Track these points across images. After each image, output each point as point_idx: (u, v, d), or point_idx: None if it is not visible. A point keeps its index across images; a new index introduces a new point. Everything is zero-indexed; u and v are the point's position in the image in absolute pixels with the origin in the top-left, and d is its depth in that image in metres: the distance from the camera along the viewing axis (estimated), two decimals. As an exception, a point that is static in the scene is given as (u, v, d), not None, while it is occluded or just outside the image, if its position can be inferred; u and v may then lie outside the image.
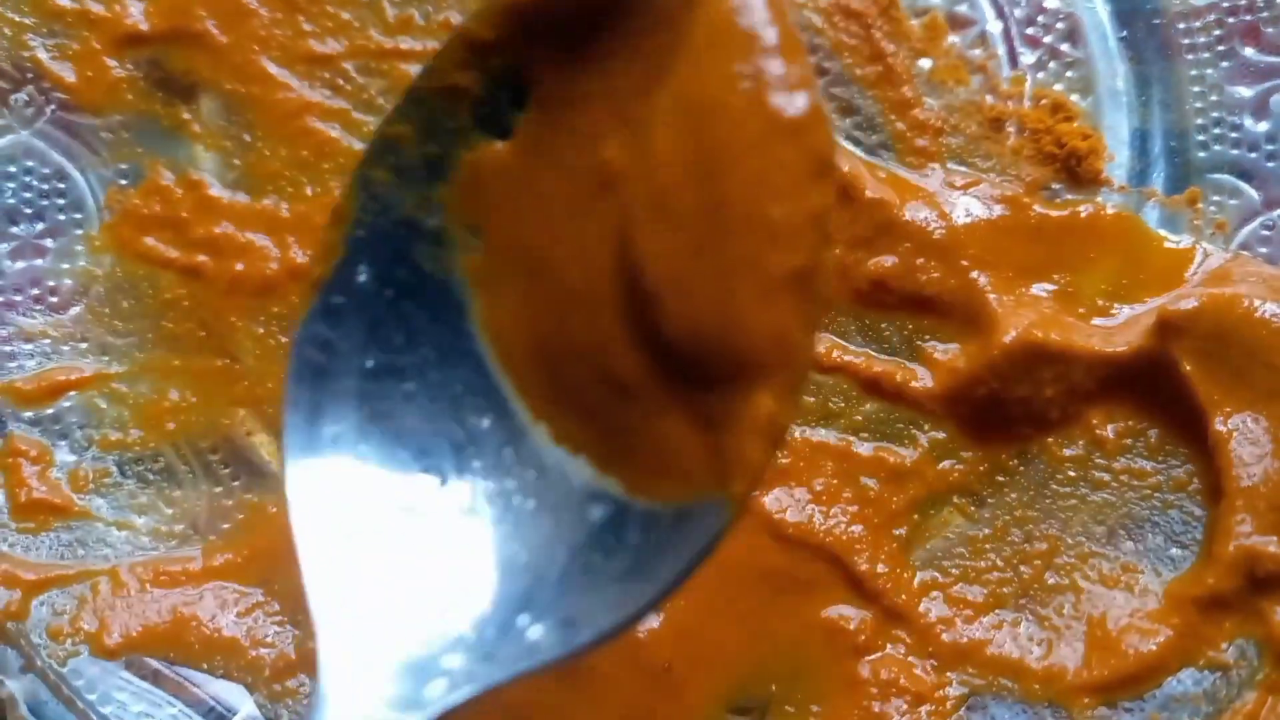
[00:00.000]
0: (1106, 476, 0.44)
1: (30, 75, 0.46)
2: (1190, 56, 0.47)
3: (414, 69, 0.46)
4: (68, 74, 0.46)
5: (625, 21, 0.30)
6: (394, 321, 0.33)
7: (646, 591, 0.30)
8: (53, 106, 0.47)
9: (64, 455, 0.46)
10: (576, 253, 0.31)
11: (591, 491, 0.32)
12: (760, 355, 0.28)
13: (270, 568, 0.45)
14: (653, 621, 0.43)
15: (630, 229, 0.30)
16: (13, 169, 0.47)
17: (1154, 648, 0.42)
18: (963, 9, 0.47)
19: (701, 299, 0.29)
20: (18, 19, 0.46)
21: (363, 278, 0.33)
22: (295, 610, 0.45)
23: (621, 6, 0.30)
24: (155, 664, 0.44)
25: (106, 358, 0.47)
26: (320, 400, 0.33)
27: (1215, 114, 0.46)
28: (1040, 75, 0.47)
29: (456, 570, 0.32)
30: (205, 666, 0.44)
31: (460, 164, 0.33)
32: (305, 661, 0.44)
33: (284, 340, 0.46)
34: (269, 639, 0.45)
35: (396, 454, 0.33)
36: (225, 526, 0.46)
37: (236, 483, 0.46)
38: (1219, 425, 0.42)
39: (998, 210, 0.45)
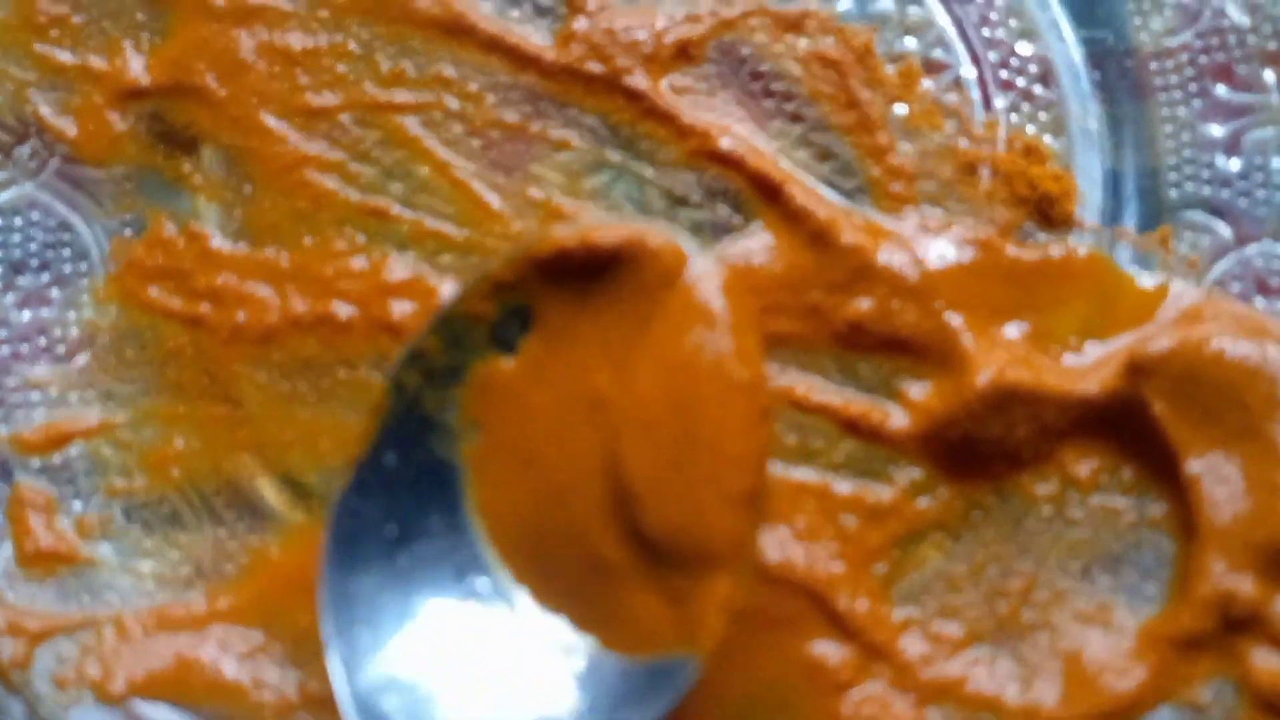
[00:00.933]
0: (1081, 513, 0.44)
1: (33, 129, 0.47)
2: (1163, 96, 0.47)
3: (408, 120, 0.47)
4: (70, 128, 0.47)
5: (619, 281, 0.41)
6: (409, 496, 0.41)
7: None
8: (56, 159, 0.47)
9: (71, 503, 0.47)
10: (565, 454, 0.40)
11: (569, 645, 0.40)
12: (719, 549, 0.39)
13: (272, 610, 0.45)
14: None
15: (617, 443, 0.39)
16: (18, 221, 0.47)
17: (1131, 686, 0.42)
18: (938, 54, 0.47)
19: (676, 504, 0.39)
20: (20, 74, 0.47)
21: (390, 460, 0.41)
22: (297, 653, 0.45)
23: (616, 272, 0.41)
24: (159, 709, 0.45)
25: (112, 405, 0.47)
26: (353, 558, 0.40)
27: (1187, 152, 0.47)
28: (1014, 117, 0.47)
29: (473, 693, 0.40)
30: (209, 710, 0.45)
31: (473, 372, 0.41)
32: (307, 702, 0.44)
33: (285, 387, 0.47)
34: (272, 681, 0.45)
35: (411, 602, 0.41)
36: (228, 568, 0.46)
37: (241, 524, 0.47)
38: (1191, 465, 0.42)
39: (971, 253, 0.45)
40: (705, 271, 0.41)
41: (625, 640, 0.40)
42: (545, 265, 0.41)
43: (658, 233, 0.42)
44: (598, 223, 0.43)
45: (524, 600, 0.41)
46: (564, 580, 0.40)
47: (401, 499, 0.41)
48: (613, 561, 0.40)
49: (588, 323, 0.41)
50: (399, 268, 0.47)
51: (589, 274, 0.41)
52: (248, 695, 0.45)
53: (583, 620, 0.40)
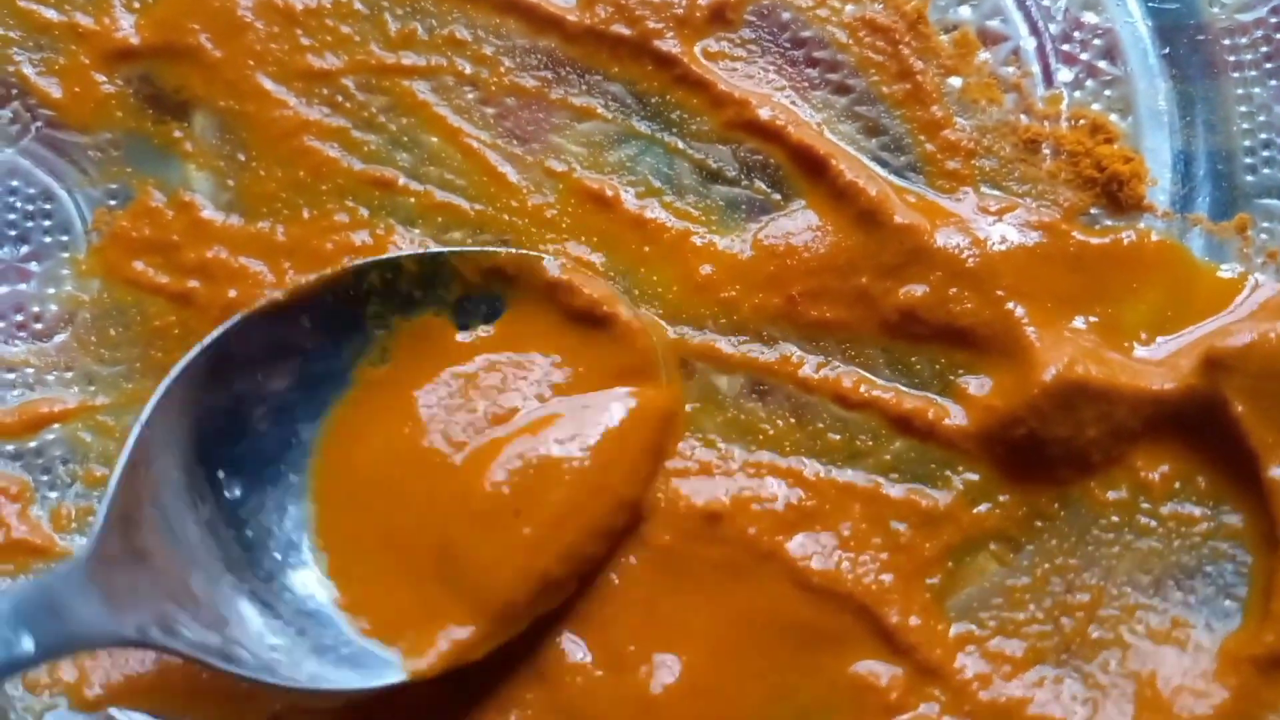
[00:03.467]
0: (1153, 523, 0.43)
1: (15, 91, 0.46)
2: (1236, 74, 0.45)
3: (417, 85, 0.46)
4: (54, 90, 0.46)
5: (585, 336, 0.44)
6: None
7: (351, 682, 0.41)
8: (39, 124, 0.46)
9: (46, 492, 0.45)
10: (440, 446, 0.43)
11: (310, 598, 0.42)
12: (487, 600, 0.41)
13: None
14: (668, 678, 0.41)
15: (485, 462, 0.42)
16: (-3, 188, 0.46)
17: (1209, 711, 0.40)
18: (995, 24, 0.46)
19: (485, 540, 0.42)
20: (2, 32, 0.46)
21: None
22: None
23: (590, 326, 0.44)
24: (136, 717, 0.43)
25: (92, 388, 0.46)
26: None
27: (1264, 135, 0.45)
28: (1077, 94, 0.45)
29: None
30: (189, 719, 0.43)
31: (402, 329, 0.44)
32: (290, 712, 0.42)
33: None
34: (252, 690, 0.42)
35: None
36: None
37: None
38: (1274, 470, 0.40)
39: (1034, 237, 0.44)
40: (661, 407, 0.43)
41: (371, 617, 0.42)
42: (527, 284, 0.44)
43: (647, 331, 0.44)
44: (597, 281, 0.44)
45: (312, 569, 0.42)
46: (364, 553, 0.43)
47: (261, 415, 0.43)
48: (412, 552, 0.42)
49: (539, 341, 0.44)
50: (405, 243, 0.45)
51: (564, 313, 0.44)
52: (228, 706, 0.43)
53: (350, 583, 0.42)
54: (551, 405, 0.43)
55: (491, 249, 0.44)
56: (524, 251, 0.44)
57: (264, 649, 0.40)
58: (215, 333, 0.42)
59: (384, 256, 0.43)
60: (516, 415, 0.43)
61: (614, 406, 0.43)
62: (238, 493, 0.42)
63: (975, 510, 0.43)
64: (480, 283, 0.43)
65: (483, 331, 0.44)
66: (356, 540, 0.42)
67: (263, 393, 0.43)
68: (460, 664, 0.40)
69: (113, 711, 0.43)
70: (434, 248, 0.45)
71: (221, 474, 0.42)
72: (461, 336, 0.44)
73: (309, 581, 0.42)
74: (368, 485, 0.43)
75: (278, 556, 0.42)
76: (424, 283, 0.43)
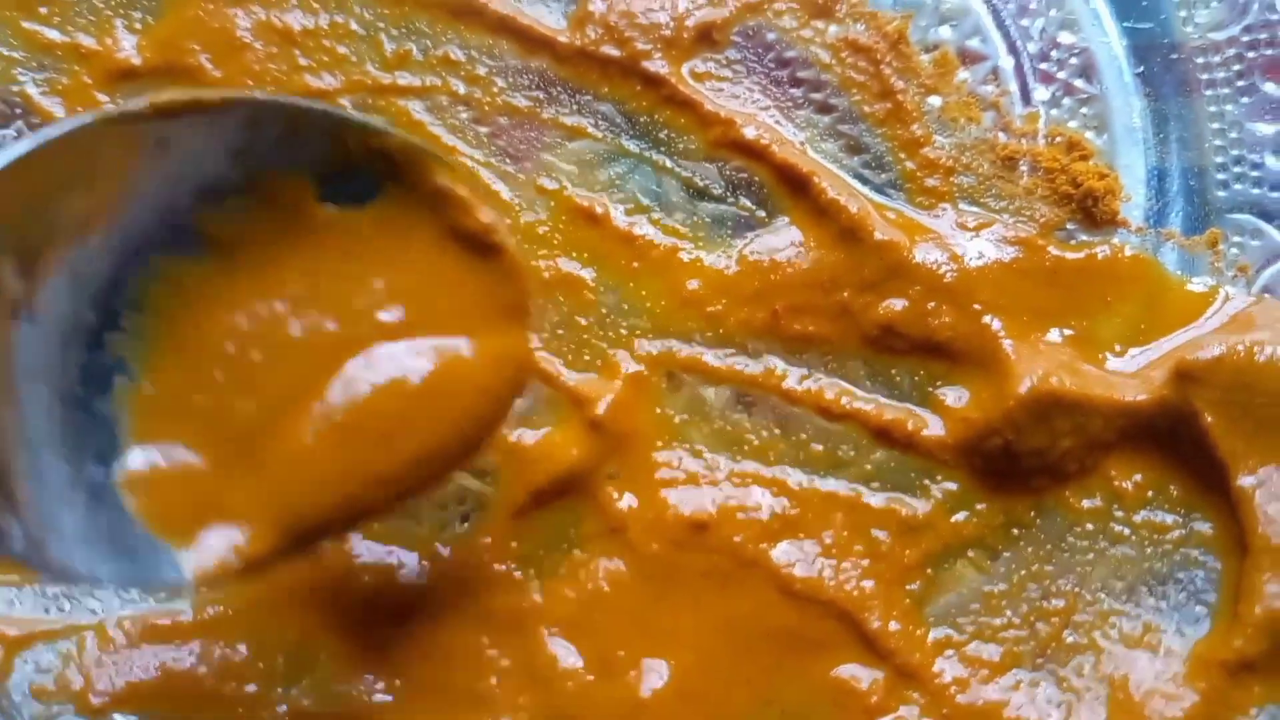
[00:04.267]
0: (1126, 530, 0.43)
1: (20, 110, 0.46)
2: (1209, 92, 0.46)
3: (412, 105, 0.46)
4: (58, 109, 0.46)
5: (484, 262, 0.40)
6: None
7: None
8: None
9: None
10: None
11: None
12: (307, 504, 0.38)
13: (261, 623, 0.44)
14: (657, 682, 0.42)
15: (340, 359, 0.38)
16: None
17: (1180, 714, 0.41)
18: (974, 44, 0.46)
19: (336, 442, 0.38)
20: (6, 53, 0.46)
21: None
22: (287, 665, 0.43)
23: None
24: None
25: None
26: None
27: (1235, 152, 0.45)
28: (1054, 112, 0.46)
29: None
30: None
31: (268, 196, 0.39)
32: (297, 719, 0.43)
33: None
34: (259, 697, 0.43)
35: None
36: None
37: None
38: (1243, 479, 0.41)
39: (1011, 252, 0.44)
40: (517, 352, 0.40)
41: (161, 510, 0.38)
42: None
43: (529, 273, 0.41)
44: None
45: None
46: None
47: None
48: (221, 442, 0.38)
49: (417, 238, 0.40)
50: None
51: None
52: (234, 710, 0.43)
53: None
54: (405, 320, 0.39)
55: (384, 128, 0.39)
56: (420, 143, 0.40)
57: (35, 526, 0.36)
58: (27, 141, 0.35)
59: (262, 97, 0.40)
60: (366, 319, 0.38)
61: (468, 340, 0.39)
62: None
63: (954, 519, 0.43)
64: (360, 161, 0.39)
65: (350, 212, 0.39)
66: (167, 416, 0.38)
67: (77, 225, 0.37)
68: (245, 573, 0.37)
69: (117, 717, 0.43)
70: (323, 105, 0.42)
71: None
72: (327, 209, 0.39)
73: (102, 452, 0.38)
74: (195, 355, 0.38)
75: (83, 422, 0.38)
76: (295, 139, 0.38)
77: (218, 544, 0.37)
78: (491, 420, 0.40)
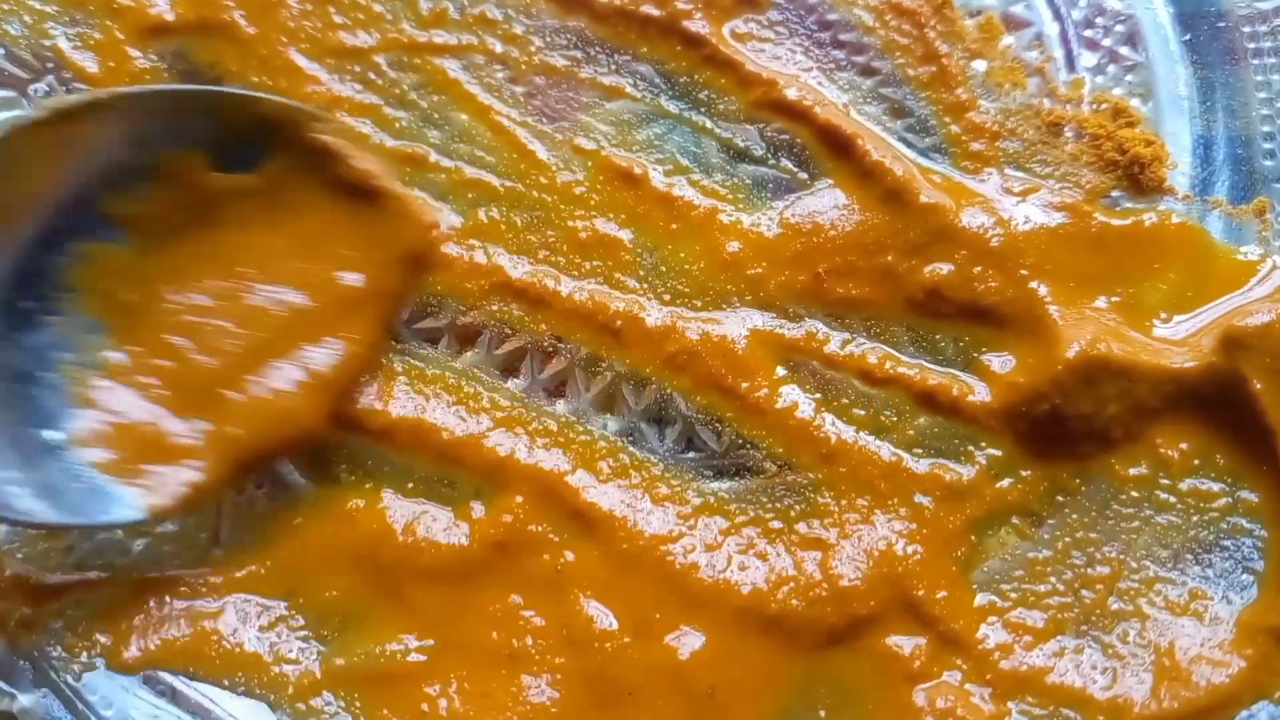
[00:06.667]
0: (1172, 498, 0.43)
1: (50, 65, 0.45)
2: (1256, 61, 0.45)
3: (448, 63, 0.46)
4: (90, 64, 0.45)
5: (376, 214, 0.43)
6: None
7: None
8: None
9: None
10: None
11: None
12: (235, 431, 0.42)
13: (296, 581, 0.44)
14: (695, 643, 0.42)
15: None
16: (29, 161, 0.46)
17: (1226, 680, 0.40)
18: (1018, 10, 0.46)
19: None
20: (39, 6, 0.46)
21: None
22: (321, 625, 0.43)
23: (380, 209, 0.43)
24: (174, 679, 0.43)
25: None
26: None
27: None
28: (1099, 79, 0.46)
29: None
30: (226, 683, 0.43)
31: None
32: (331, 679, 0.43)
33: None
34: (293, 655, 0.43)
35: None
36: (249, 537, 0.44)
37: (261, 490, 0.45)
38: None
39: (1058, 218, 0.44)
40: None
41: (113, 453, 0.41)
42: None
43: (422, 209, 0.44)
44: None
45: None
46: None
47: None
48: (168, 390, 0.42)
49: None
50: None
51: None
52: (268, 669, 0.43)
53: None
54: (304, 264, 0.42)
55: (259, 95, 0.42)
56: (297, 104, 0.43)
57: None
58: None
59: (137, 89, 0.43)
60: (273, 265, 0.42)
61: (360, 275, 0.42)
62: None
63: (998, 485, 0.43)
64: (244, 129, 0.42)
65: (244, 177, 0.42)
66: (114, 378, 0.41)
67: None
68: (193, 503, 0.41)
69: (149, 674, 0.43)
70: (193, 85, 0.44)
71: None
72: (223, 177, 0.42)
73: (54, 411, 0.41)
74: (134, 323, 0.42)
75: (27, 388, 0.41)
76: (183, 120, 0.42)
77: (170, 480, 0.41)
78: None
